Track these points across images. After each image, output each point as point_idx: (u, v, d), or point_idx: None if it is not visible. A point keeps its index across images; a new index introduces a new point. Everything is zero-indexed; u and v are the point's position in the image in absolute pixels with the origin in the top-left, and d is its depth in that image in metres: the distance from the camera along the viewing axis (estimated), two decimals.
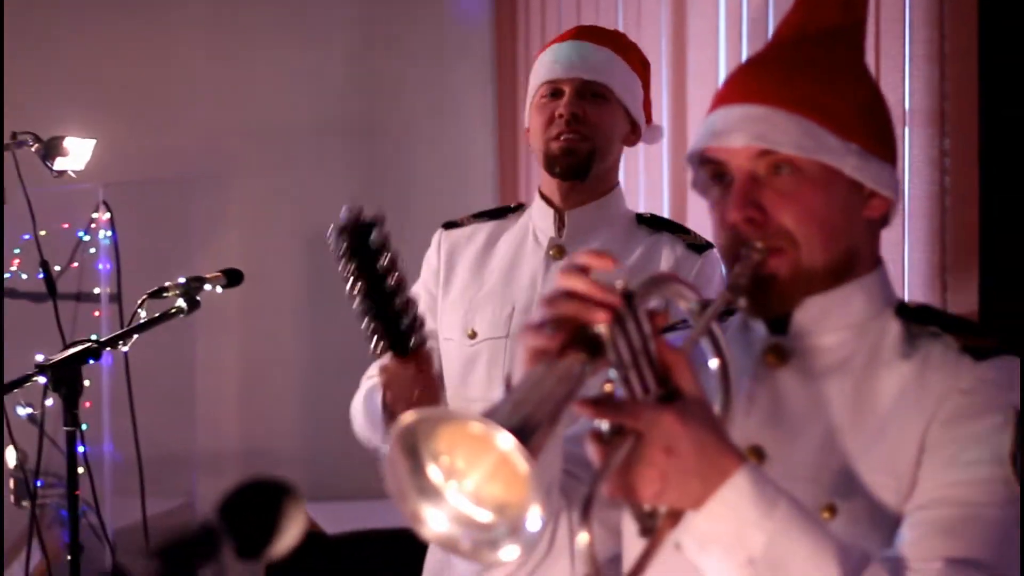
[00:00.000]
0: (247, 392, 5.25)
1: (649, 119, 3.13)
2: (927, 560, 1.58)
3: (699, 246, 2.97)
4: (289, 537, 1.25)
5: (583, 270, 1.57)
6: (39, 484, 2.74)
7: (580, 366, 1.49)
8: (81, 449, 2.51)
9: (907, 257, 2.72)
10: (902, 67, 2.71)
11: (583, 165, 2.98)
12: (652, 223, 3.07)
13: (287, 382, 5.31)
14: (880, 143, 1.80)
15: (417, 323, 2.62)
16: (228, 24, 5.23)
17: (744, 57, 3.28)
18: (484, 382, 3.00)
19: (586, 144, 2.96)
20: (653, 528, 1.58)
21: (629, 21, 4.13)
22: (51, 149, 2.70)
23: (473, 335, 3.04)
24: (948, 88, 2.57)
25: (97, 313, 3.42)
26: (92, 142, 2.72)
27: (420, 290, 3.11)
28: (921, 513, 1.64)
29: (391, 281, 2.56)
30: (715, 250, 3.00)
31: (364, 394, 3.06)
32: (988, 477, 1.63)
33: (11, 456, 3.11)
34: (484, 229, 3.17)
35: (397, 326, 2.59)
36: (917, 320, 1.79)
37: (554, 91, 3.01)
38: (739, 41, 3.38)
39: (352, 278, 2.57)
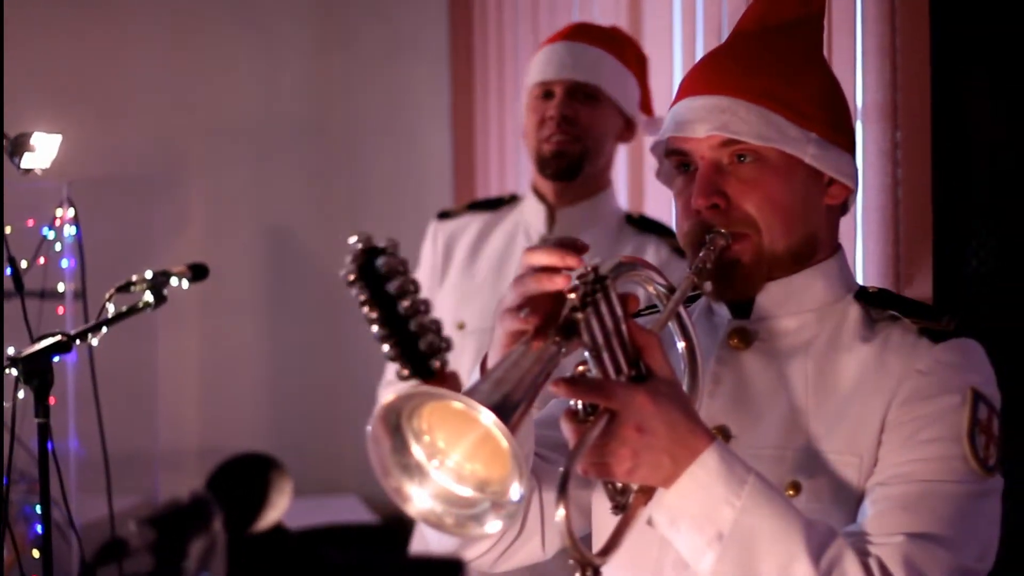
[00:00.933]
0: (208, 389, 5.26)
1: (650, 111, 3.16)
2: (888, 535, 1.64)
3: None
4: (276, 509, 1.27)
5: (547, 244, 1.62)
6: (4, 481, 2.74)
7: (555, 347, 1.54)
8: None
9: (861, 248, 2.76)
10: (854, 61, 2.75)
11: (574, 166, 3.00)
12: (641, 224, 3.10)
13: (248, 379, 5.32)
14: (839, 132, 1.85)
15: (437, 344, 2.62)
16: (188, 23, 5.23)
17: (699, 54, 3.32)
18: (471, 373, 3.03)
19: (577, 145, 2.99)
20: (625, 505, 1.62)
21: (584, 19, 4.16)
22: (17, 146, 2.70)
23: (462, 326, 3.07)
24: (900, 81, 2.61)
25: (61, 310, 3.43)
26: (58, 138, 2.73)
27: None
28: (882, 489, 1.69)
29: (405, 304, 2.57)
30: None
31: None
32: (946, 454, 1.69)
33: None
34: (478, 220, 3.19)
35: (415, 349, 2.60)
36: (876, 304, 1.84)
37: (546, 92, 3.03)
38: (694, 38, 3.42)
39: (366, 307, 2.58)
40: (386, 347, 2.61)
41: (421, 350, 2.61)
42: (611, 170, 3.14)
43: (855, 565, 1.59)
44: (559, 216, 3.05)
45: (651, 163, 3.56)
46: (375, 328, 2.60)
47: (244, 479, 1.26)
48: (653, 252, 3.00)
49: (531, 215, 3.10)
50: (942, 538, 1.64)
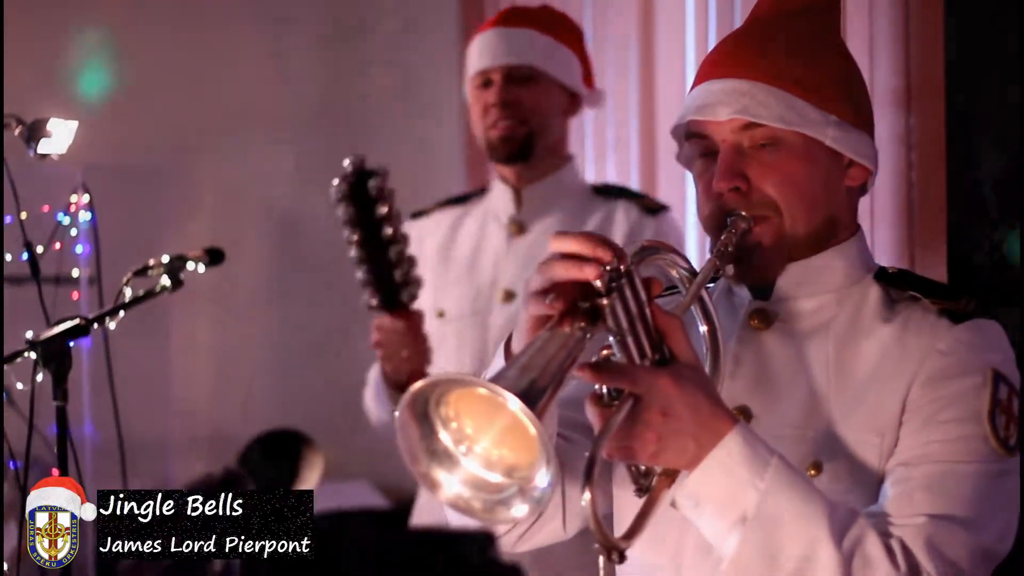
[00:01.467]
0: (220, 375, 5.26)
1: (591, 84, 3.20)
2: (910, 516, 1.65)
3: (653, 209, 3.06)
4: (308, 482, 1.28)
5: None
6: (17, 465, 2.74)
7: (580, 333, 1.54)
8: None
9: (875, 233, 2.77)
10: (868, 46, 2.75)
11: (524, 148, 3.06)
12: (607, 192, 3.17)
13: (259, 365, 5.32)
14: (858, 114, 1.85)
15: (410, 277, 2.67)
16: (200, 9, 5.23)
17: (711, 40, 3.33)
18: (454, 360, 3.06)
19: (523, 128, 3.05)
20: (649, 487, 1.63)
21: (597, 3, 4.16)
22: (34, 131, 2.70)
23: (441, 315, 3.11)
24: (913, 66, 2.61)
25: (76, 296, 3.43)
26: (75, 124, 2.73)
27: None
28: (903, 470, 1.70)
29: (387, 231, 2.61)
30: (670, 212, 3.09)
31: (372, 381, 3.11)
32: (967, 435, 1.70)
33: None
34: (448, 215, 3.26)
35: (390, 277, 2.65)
36: (896, 285, 1.85)
37: (485, 81, 3.09)
38: (706, 23, 3.42)
39: (349, 225, 2.62)
40: (362, 272, 2.66)
41: (396, 280, 2.67)
42: (566, 143, 3.20)
43: (877, 546, 1.61)
44: (525, 194, 3.11)
45: (665, 147, 3.57)
46: (354, 251, 2.64)
47: (277, 454, 1.27)
48: (623, 215, 3.06)
49: (498, 199, 3.16)
50: (963, 519, 1.65)
